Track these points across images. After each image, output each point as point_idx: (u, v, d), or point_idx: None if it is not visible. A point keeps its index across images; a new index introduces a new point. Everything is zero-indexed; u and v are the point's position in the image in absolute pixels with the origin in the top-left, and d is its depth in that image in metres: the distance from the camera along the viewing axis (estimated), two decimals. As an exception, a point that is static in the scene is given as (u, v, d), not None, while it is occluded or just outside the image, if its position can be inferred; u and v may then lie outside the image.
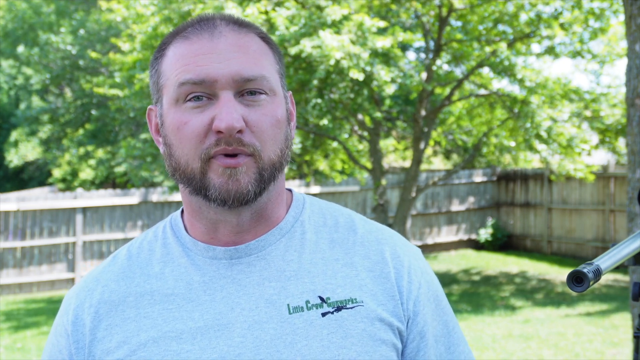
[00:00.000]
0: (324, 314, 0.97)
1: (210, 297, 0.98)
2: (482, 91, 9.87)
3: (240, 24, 1.00)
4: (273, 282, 0.98)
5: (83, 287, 1.05)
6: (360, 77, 6.95)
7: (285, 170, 1.05)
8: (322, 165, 11.27)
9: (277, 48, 1.05)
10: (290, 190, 1.11)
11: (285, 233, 1.03)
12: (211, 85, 0.94)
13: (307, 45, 6.67)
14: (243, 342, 0.95)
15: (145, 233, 1.09)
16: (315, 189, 12.17)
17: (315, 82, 7.17)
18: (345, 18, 7.18)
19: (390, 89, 7.22)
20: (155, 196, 11.29)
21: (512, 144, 9.35)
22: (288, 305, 0.97)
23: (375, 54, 7.28)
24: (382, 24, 7.27)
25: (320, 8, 7.26)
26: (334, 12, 7.01)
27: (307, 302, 0.97)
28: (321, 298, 0.98)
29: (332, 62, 6.66)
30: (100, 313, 1.00)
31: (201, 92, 0.95)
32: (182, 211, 1.09)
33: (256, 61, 0.97)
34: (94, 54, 10.67)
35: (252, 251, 1.00)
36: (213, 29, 0.98)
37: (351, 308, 0.98)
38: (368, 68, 7.07)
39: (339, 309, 0.98)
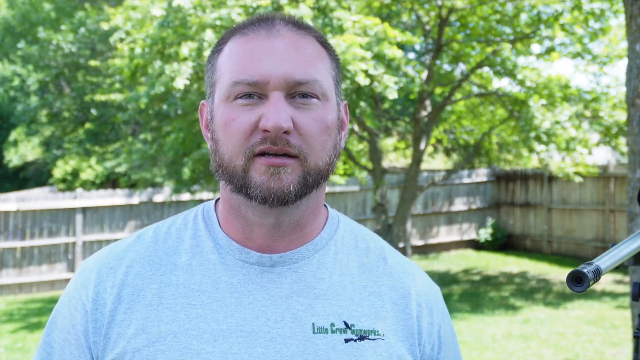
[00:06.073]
0: (346, 340, 0.96)
1: (236, 301, 0.96)
2: (482, 91, 9.87)
3: (299, 26, 1.00)
4: (301, 298, 0.98)
5: (105, 263, 1.01)
6: (367, 82, 6.89)
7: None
8: None
9: (335, 54, 1.04)
10: (325, 205, 1.09)
11: (319, 249, 1.02)
12: (263, 86, 0.94)
13: None
14: (264, 354, 0.94)
15: (173, 219, 1.07)
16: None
17: None
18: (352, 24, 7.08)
19: (392, 95, 7.17)
20: (156, 196, 11.29)
21: (515, 138, 9.33)
22: (313, 324, 0.96)
23: (377, 57, 7.23)
24: (381, 26, 7.19)
25: (328, 10, 7.15)
26: (345, 19, 6.91)
27: (332, 324, 0.97)
28: (346, 324, 0.98)
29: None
30: (122, 295, 0.97)
31: (252, 91, 0.94)
32: (216, 202, 1.06)
33: (310, 64, 0.96)
34: (93, 62, 10.66)
35: (285, 262, 0.99)
36: (271, 27, 0.98)
37: (372, 340, 0.98)
38: (373, 71, 7.00)
39: (361, 338, 0.97)
